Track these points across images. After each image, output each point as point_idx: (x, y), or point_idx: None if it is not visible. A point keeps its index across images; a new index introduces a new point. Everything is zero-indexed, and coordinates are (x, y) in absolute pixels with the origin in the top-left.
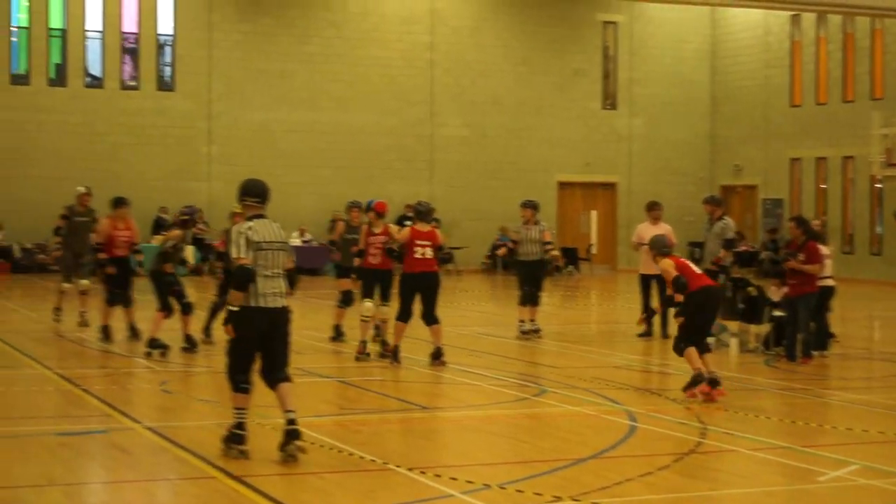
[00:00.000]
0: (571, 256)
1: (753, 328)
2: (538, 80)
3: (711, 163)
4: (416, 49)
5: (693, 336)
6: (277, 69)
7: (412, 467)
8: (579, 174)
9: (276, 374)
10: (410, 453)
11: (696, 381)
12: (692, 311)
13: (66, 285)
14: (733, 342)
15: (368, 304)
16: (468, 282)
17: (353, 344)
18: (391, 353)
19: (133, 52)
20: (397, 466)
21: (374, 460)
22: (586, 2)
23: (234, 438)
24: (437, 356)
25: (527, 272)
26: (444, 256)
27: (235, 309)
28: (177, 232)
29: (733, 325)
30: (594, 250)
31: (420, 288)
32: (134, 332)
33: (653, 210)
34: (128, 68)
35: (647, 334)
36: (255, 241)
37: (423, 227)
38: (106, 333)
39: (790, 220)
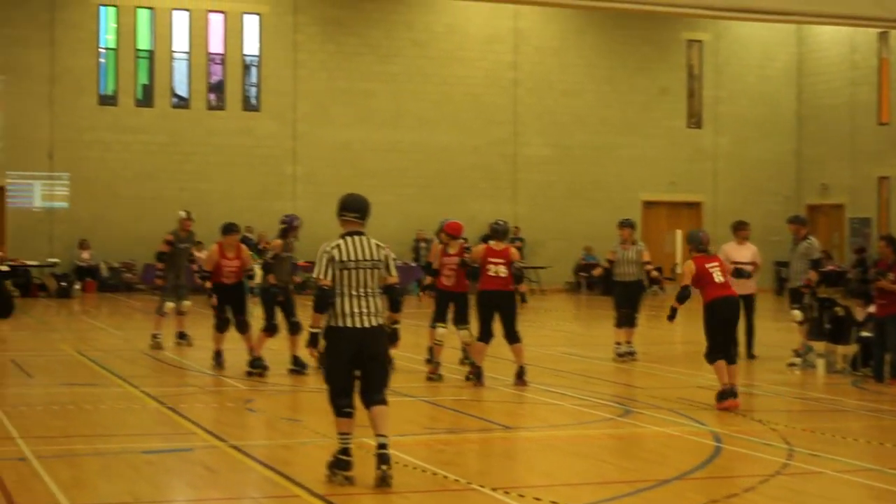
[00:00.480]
0: (656, 277)
1: (840, 349)
2: (622, 98)
3: (797, 182)
4: (499, 68)
5: (720, 346)
6: (361, 89)
7: (496, 487)
8: (664, 193)
9: (370, 396)
10: (494, 473)
11: (723, 394)
12: (711, 321)
13: (170, 304)
14: (820, 363)
15: (441, 329)
16: (552, 301)
17: (447, 367)
18: (474, 374)
19: (219, 73)
20: (481, 486)
21: (457, 480)
22: (671, 20)
23: (339, 464)
24: (520, 375)
25: (624, 293)
26: (516, 273)
27: (315, 331)
28: (277, 242)
29: (820, 346)
30: (679, 270)
31: (495, 306)
32: (254, 364)
33: (739, 230)
34: (213, 89)
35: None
36: (339, 261)
37: (497, 246)
38: (218, 360)
39: (881, 238)
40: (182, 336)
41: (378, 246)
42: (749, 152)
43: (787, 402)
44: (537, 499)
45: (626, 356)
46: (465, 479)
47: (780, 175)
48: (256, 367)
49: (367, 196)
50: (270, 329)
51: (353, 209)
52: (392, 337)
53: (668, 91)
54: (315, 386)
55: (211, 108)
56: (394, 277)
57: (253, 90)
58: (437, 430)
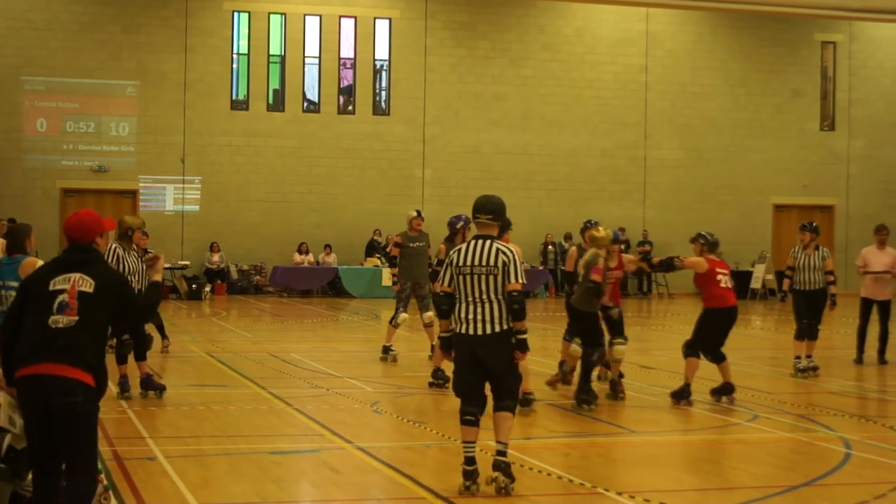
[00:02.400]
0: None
1: None
2: (755, 101)
3: None
4: (630, 71)
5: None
6: (491, 92)
7: (621, 491)
8: (796, 197)
9: (496, 402)
10: (619, 477)
11: (680, 393)
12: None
13: (404, 315)
14: None
15: (620, 347)
16: (679, 305)
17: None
18: (681, 394)
19: (350, 77)
20: (606, 490)
21: (583, 484)
22: (805, 22)
23: (463, 474)
24: (725, 391)
25: (806, 303)
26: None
27: (444, 335)
28: (441, 246)
29: None
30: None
31: (729, 324)
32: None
33: (880, 233)
34: (344, 93)
35: (859, 361)
36: (456, 265)
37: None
38: (438, 377)
39: None
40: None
41: (499, 251)
42: (884, 155)
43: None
44: (647, 500)
45: (807, 371)
46: (591, 482)
47: None
48: (438, 379)
49: None
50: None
51: (485, 210)
52: (519, 346)
53: (801, 93)
54: (439, 389)
55: (341, 112)
56: (514, 284)
57: (383, 94)
58: (563, 433)
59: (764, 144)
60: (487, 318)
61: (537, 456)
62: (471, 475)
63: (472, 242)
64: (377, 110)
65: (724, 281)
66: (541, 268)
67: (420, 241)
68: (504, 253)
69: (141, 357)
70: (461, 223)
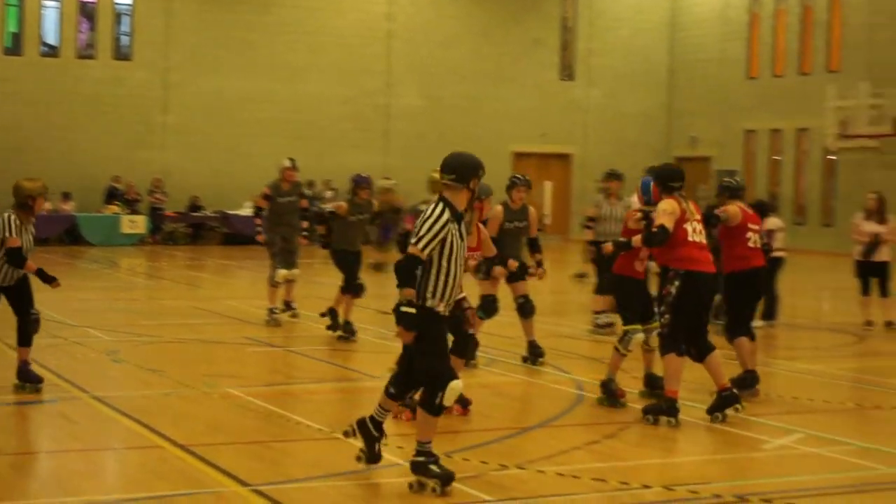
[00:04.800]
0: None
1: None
2: (496, 50)
3: (667, 134)
4: (374, 19)
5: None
6: (235, 39)
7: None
8: (535, 145)
9: None
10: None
11: (746, 381)
12: (736, 296)
13: (283, 272)
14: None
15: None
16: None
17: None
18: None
19: (90, 21)
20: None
21: (320, 429)
22: None
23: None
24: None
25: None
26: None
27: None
28: (342, 204)
29: None
30: (548, 221)
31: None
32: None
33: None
34: (84, 37)
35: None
36: None
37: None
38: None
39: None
40: (289, 306)
41: (425, 210)
42: (620, 105)
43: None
44: (400, 447)
45: (606, 327)
46: (329, 427)
47: (650, 128)
48: (346, 331)
49: (240, 147)
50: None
51: (446, 169)
52: (396, 318)
53: (541, 43)
54: (174, 337)
55: (81, 56)
56: (411, 247)
57: (125, 39)
58: (302, 380)
59: (504, 93)
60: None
61: (276, 402)
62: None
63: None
64: (118, 55)
65: (754, 240)
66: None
67: (291, 195)
68: (426, 210)
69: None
70: (362, 182)
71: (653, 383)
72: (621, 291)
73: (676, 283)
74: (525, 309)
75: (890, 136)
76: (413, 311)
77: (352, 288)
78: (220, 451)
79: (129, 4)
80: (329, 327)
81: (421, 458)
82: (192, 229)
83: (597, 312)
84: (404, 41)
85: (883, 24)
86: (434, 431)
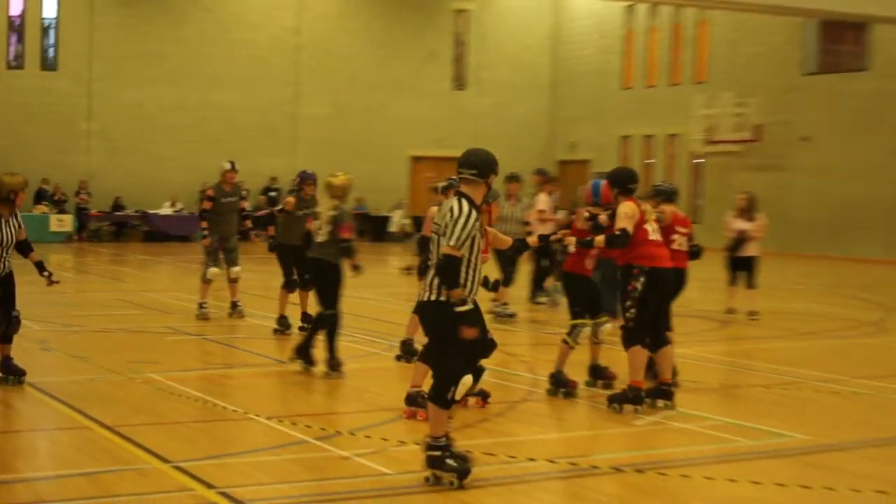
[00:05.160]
0: (421, 224)
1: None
2: (396, 62)
3: (550, 139)
4: (283, 33)
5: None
6: (154, 50)
7: (270, 416)
8: (431, 149)
9: None
10: (270, 404)
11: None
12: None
13: (214, 270)
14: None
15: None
16: None
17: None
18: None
19: (19, 34)
20: (257, 416)
21: (236, 410)
22: None
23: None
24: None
25: (501, 252)
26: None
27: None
28: (290, 199)
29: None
30: None
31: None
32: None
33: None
34: (13, 49)
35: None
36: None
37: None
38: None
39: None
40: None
41: (450, 209)
42: (507, 113)
43: (534, 337)
44: (308, 426)
45: (505, 317)
46: (244, 409)
47: (534, 133)
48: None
49: (158, 151)
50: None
51: (468, 164)
52: (458, 319)
53: (436, 56)
54: (100, 326)
55: (10, 67)
56: (447, 248)
57: (51, 51)
58: (219, 365)
59: (403, 102)
60: (427, 283)
61: (195, 386)
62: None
63: (449, 200)
64: (45, 66)
65: (679, 242)
66: (198, 214)
67: (232, 196)
68: (452, 209)
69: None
70: (304, 180)
71: (598, 374)
72: (572, 288)
73: (642, 279)
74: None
75: (751, 142)
76: (470, 307)
77: (288, 283)
78: (143, 431)
79: (54, 18)
80: (300, 328)
81: (436, 453)
82: (116, 227)
83: (498, 301)
84: (311, 54)
85: (744, 39)
86: (446, 425)
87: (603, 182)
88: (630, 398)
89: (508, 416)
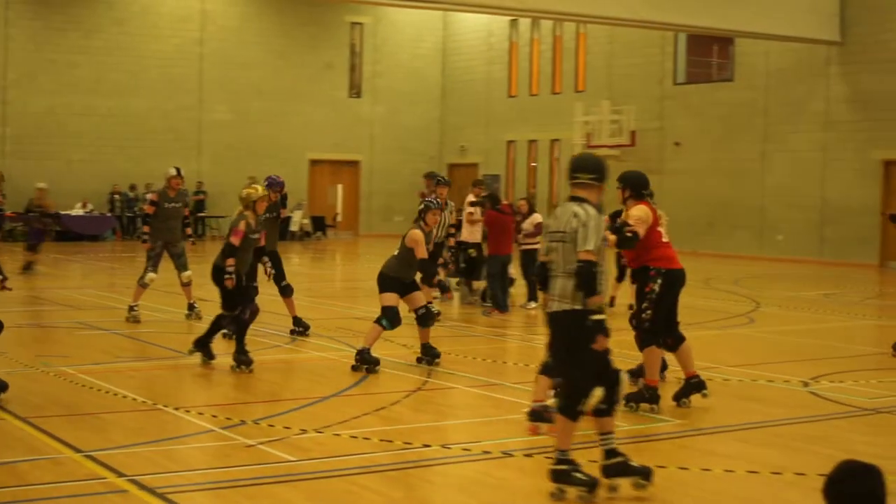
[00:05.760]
0: (320, 224)
1: (474, 284)
2: (294, 71)
3: (441, 144)
4: (187, 44)
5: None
6: (66, 60)
7: (178, 407)
8: (328, 153)
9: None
10: (177, 395)
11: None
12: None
13: (152, 275)
14: (457, 295)
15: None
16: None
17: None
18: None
19: None
20: (165, 406)
21: (144, 401)
22: (337, 5)
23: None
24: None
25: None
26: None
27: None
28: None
29: (456, 282)
30: (339, 219)
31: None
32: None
33: (475, 186)
34: None
35: None
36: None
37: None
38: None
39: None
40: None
41: (575, 214)
42: (400, 119)
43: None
44: (214, 416)
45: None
46: (152, 400)
47: (426, 138)
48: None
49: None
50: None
51: (586, 171)
52: (595, 329)
53: (333, 66)
54: (14, 322)
55: None
56: (586, 253)
57: None
58: (128, 358)
59: (302, 109)
60: (556, 293)
61: (105, 378)
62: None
63: (566, 205)
64: None
65: (665, 235)
66: (108, 214)
67: (177, 202)
68: (577, 214)
69: None
70: (268, 182)
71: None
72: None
73: (659, 281)
74: (424, 318)
75: (627, 147)
76: (605, 315)
77: (283, 289)
78: (56, 422)
79: None
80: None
81: (563, 467)
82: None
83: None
84: (214, 63)
85: (620, 52)
86: (572, 438)
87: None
88: (647, 397)
89: (404, 403)
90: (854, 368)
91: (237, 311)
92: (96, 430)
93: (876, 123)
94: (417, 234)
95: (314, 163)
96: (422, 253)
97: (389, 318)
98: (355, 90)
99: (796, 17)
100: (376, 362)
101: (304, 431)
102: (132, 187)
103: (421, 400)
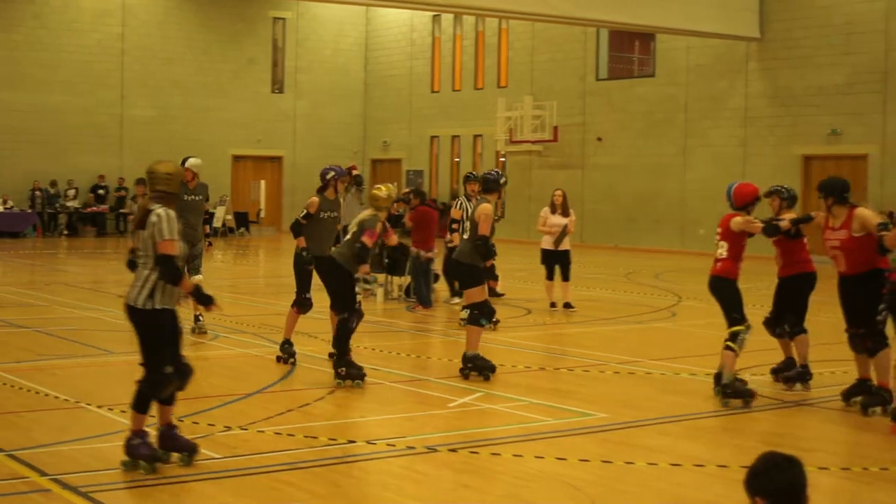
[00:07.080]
0: (243, 220)
1: (396, 279)
2: (216, 67)
3: (364, 139)
4: (109, 39)
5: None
6: None
7: (101, 405)
8: (251, 149)
9: None
10: (100, 393)
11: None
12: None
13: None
14: (380, 291)
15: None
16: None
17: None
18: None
19: None
20: (88, 405)
21: (67, 399)
22: (259, 0)
23: None
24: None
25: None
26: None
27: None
28: (314, 199)
29: (381, 278)
30: (263, 215)
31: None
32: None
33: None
34: None
35: None
36: None
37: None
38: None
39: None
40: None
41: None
42: (323, 114)
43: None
44: (123, 411)
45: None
46: (75, 398)
47: (349, 133)
48: (284, 352)
49: None
50: (300, 304)
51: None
52: None
53: (255, 61)
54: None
55: None
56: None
57: None
58: (50, 356)
59: (223, 104)
60: None
61: (27, 376)
62: None
63: None
64: None
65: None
66: (29, 211)
67: (197, 194)
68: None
69: None
70: (332, 174)
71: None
72: (727, 293)
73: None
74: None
75: (549, 142)
76: None
77: (301, 302)
78: None
79: None
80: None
81: None
82: None
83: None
84: (135, 58)
85: (542, 47)
86: None
87: (735, 186)
88: (885, 400)
89: (328, 400)
90: (775, 361)
91: (345, 315)
92: (18, 428)
93: (795, 119)
94: (488, 207)
95: (237, 158)
96: (485, 229)
97: (487, 313)
98: (278, 86)
99: (716, 14)
100: (492, 368)
101: (229, 428)
102: (53, 183)
103: (345, 396)
